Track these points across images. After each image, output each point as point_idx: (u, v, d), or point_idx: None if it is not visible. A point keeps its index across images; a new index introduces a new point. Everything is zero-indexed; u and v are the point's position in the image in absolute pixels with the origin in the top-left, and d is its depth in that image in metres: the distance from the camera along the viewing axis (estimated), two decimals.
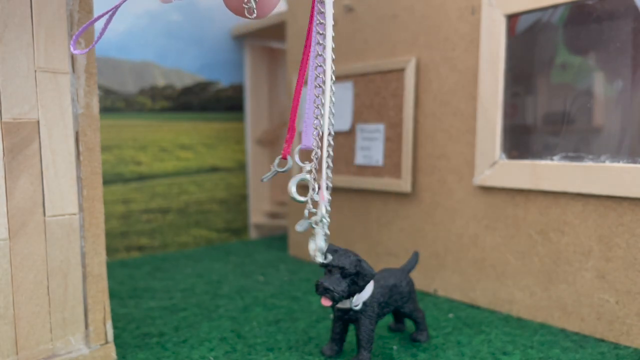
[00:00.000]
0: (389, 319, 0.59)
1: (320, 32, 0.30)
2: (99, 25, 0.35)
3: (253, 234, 1.09)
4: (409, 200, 0.71)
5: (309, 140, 0.32)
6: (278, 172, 0.36)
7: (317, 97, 0.32)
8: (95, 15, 0.45)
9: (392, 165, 0.72)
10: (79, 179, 0.45)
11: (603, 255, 0.53)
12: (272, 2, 0.31)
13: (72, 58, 0.44)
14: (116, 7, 0.31)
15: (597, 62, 0.54)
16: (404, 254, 0.72)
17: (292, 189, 0.34)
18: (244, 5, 0.30)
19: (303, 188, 0.36)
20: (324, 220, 0.32)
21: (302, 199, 0.34)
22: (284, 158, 0.35)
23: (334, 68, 0.31)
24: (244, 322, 0.59)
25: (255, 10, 0.30)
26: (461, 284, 0.66)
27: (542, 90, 0.58)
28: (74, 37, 0.32)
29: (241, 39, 1.05)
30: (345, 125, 0.78)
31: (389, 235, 0.74)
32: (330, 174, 0.33)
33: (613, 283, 0.53)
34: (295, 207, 0.90)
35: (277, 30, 0.98)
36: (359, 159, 0.77)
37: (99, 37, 0.32)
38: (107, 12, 0.32)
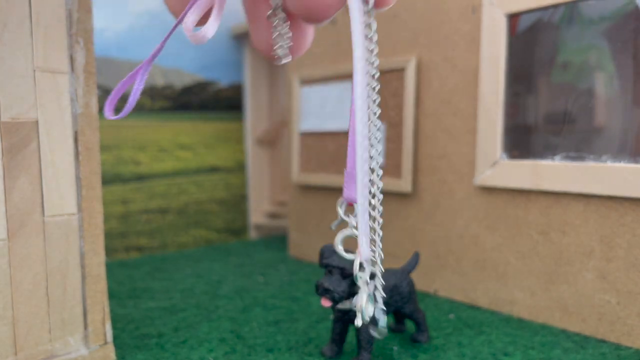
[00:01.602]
0: (389, 320, 0.59)
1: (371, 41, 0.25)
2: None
3: (253, 234, 1.09)
4: (409, 200, 0.71)
5: (351, 191, 0.26)
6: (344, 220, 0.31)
7: (370, 128, 0.26)
8: (95, 14, 0.45)
9: (392, 165, 0.72)
10: (77, 179, 0.44)
11: (604, 255, 0.53)
12: (306, 43, 0.27)
13: (71, 58, 0.43)
14: (148, 62, 0.28)
15: (597, 61, 0.54)
16: (404, 255, 0.72)
17: (339, 247, 0.29)
18: (272, 53, 0.26)
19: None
20: (364, 278, 0.27)
21: (349, 256, 0.29)
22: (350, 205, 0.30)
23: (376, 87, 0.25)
24: (243, 323, 0.59)
25: (285, 57, 0.26)
26: (462, 285, 0.66)
27: (543, 89, 0.58)
28: (108, 102, 0.28)
29: (241, 38, 1.04)
30: (345, 125, 0.78)
31: (389, 235, 0.74)
32: (377, 222, 0.27)
33: (614, 283, 0.53)
34: (295, 207, 0.90)
35: None
36: None
37: (134, 98, 0.28)
38: (137, 70, 0.28)
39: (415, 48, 0.69)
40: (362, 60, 0.23)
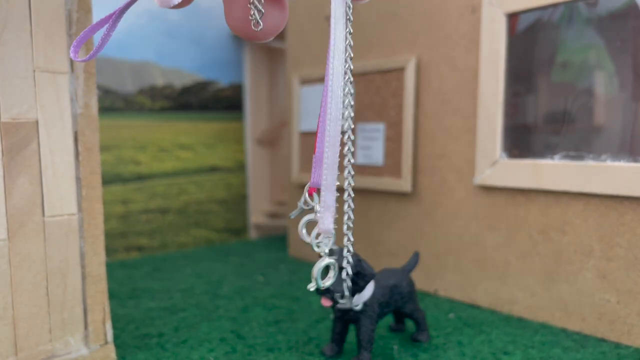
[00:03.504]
0: (389, 319, 0.59)
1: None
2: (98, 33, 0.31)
3: (253, 234, 1.09)
4: (409, 200, 0.71)
5: (318, 176, 0.27)
6: (304, 209, 0.32)
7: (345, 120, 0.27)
8: (95, 14, 0.45)
9: (392, 165, 0.72)
10: (78, 179, 0.45)
11: (604, 254, 0.53)
12: (276, 21, 0.27)
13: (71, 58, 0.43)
14: (121, 10, 0.28)
15: (597, 60, 0.54)
16: (404, 254, 0.72)
17: (302, 230, 0.30)
18: (250, 17, 0.26)
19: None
20: (321, 248, 0.28)
21: (307, 239, 0.30)
22: (310, 195, 0.31)
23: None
24: (243, 323, 0.59)
25: (261, 23, 0.26)
26: (462, 284, 0.66)
27: (543, 89, 0.58)
28: (74, 43, 0.29)
29: (241, 38, 1.04)
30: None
31: (389, 235, 0.74)
32: (350, 206, 0.27)
33: (614, 283, 0.53)
34: (294, 207, 0.90)
35: None
36: (359, 158, 0.76)
37: (101, 45, 0.29)
38: (109, 16, 0.29)
39: (415, 48, 0.69)
40: (342, 42, 0.24)
